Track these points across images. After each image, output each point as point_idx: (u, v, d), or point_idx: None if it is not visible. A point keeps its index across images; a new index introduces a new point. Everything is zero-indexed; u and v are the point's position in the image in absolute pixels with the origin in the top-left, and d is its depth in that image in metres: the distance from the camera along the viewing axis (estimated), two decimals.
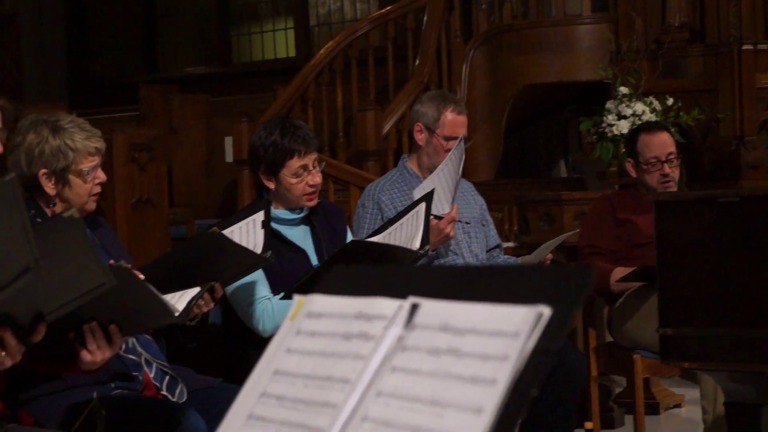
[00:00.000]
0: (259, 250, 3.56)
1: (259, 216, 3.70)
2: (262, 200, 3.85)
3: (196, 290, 3.18)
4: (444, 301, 1.22)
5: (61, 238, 1.95)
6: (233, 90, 9.93)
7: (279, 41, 10.55)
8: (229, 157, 8.04)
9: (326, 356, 1.32)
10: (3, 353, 2.14)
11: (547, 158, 9.05)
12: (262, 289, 3.98)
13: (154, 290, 2.72)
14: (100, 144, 3.53)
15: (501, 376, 1.09)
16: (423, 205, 4.09)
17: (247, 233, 3.68)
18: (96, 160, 3.52)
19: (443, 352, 1.17)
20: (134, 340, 3.55)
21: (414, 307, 1.25)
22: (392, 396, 1.19)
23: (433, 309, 1.23)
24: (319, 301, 1.41)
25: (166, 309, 2.83)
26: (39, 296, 2.11)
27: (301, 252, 4.12)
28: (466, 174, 5.32)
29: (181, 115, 8.65)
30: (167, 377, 3.57)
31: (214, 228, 3.38)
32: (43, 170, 3.48)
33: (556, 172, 8.99)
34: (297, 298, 1.46)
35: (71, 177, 3.49)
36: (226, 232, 3.62)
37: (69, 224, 1.91)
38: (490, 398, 1.08)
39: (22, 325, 2.14)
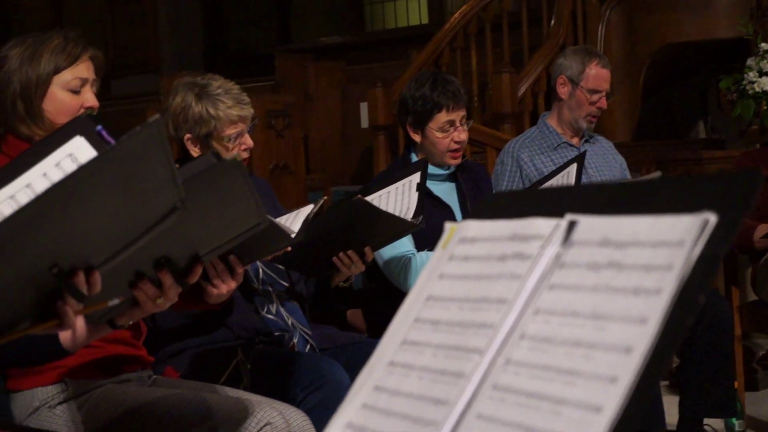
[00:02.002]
0: (411, 214, 3.55)
1: (416, 178, 3.68)
2: (420, 161, 3.83)
3: (309, 208, 3.17)
4: (603, 216, 1.19)
5: (224, 181, 1.96)
6: (367, 58, 9.94)
7: (412, 8, 10.53)
8: (365, 123, 8.07)
9: (481, 279, 1.31)
10: (161, 295, 2.17)
11: (685, 119, 8.88)
12: (407, 243, 4.00)
13: (270, 217, 2.72)
14: (244, 112, 3.52)
15: (666, 285, 1.06)
16: (575, 166, 4.06)
17: (402, 195, 3.67)
18: (240, 127, 3.52)
19: (603, 267, 1.15)
20: (280, 305, 3.58)
21: (571, 225, 1.23)
22: (551, 313, 1.17)
23: (592, 225, 1.20)
24: (471, 226, 1.40)
25: (283, 233, 2.84)
26: (196, 237, 2.13)
27: (447, 208, 4.13)
28: (604, 134, 5.26)
29: (316, 83, 8.69)
30: (308, 345, 3.60)
31: (358, 196, 3.39)
32: (188, 135, 3.52)
33: (694, 133, 8.81)
34: (448, 224, 1.45)
35: (214, 143, 3.50)
36: (381, 192, 3.64)
37: (231, 167, 1.92)
38: (655, 307, 1.05)
39: (179, 267, 2.17)
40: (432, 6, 10.30)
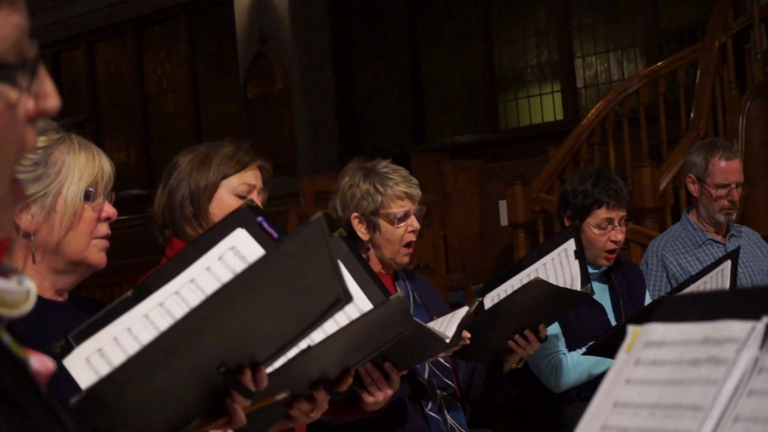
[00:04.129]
0: (577, 282, 3.53)
1: (570, 245, 3.65)
2: (570, 227, 3.80)
3: (464, 310, 3.14)
4: None
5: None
6: (502, 155, 9.96)
7: (546, 105, 10.54)
8: (504, 221, 8.04)
9: (672, 384, 1.27)
10: (313, 410, 2.18)
11: None
12: (557, 343, 3.94)
13: (421, 323, 2.72)
14: (411, 190, 3.54)
15: None
16: (728, 263, 3.95)
17: (561, 264, 3.64)
18: (407, 206, 3.52)
19: None
20: (444, 405, 3.54)
21: None
22: (752, 420, 1.13)
23: None
24: (657, 330, 1.36)
25: (437, 338, 2.83)
26: (348, 349, 2.15)
27: (599, 307, 4.06)
28: (749, 225, 5.15)
29: (454, 182, 8.71)
30: None
31: (536, 276, 3.38)
32: (355, 213, 3.54)
33: None
34: (631, 328, 1.41)
35: (380, 221, 3.50)
36: (537, 264, 3.61)
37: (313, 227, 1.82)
38: None
39: (332, 378, 2.18)
40: (566, 102, 10.30)
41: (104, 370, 1.85)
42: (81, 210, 2.39)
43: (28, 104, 1.10)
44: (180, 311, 1.90)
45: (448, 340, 2.89)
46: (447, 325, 3.05)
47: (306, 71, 11.46)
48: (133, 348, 1.84)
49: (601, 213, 4.04)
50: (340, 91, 11.74)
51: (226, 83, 12.44)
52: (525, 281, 3.55)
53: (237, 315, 1.70)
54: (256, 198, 2.92)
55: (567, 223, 4.11)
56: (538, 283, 3.35)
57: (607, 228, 4.04)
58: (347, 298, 1.79)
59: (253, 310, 1.72)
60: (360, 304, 2.42)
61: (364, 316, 2.22)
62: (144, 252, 7.82)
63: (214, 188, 2.88)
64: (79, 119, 12.96)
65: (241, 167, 2.92)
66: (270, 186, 3.01)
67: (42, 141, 2.36)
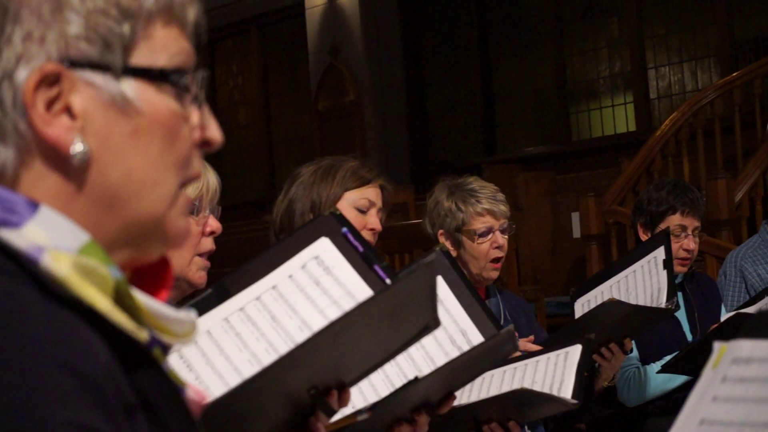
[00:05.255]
0: (663, 294, 3.49)
1: (660, 253, 3.61)
2: (661, 234, 3.77)
3: (577, 353, 3.09)
4: None
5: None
6: (574, 167, 9.90)
7: (618, 116, 10.46)
8: (577, 233, 8.00)
9: (761, 402, 1.25)
10: None
11: None
12: (631, 355, 3.90)
13: (539, 392, 2.72)
14: (494, 206, 3.55)
15: None
16: None
17: (649, 273, 3.61)
18: (490, 222, 3.53)
19: None
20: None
21: None
22: None
23: None
24: (745, 346, 1.34)
25: (559, 399, 2.81)
26: (452, 374, 2.15)
27: (674, 320, 4.02)
28: None
29: (526, 193, 8.69)
30: None
31: (611, 297, 3.36)
32: (441, 230, 3.57)
33: None
34: (717, 344, 1.39)
35: (464, 238, 3.52)
36: (627, 272, 3.58)
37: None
38: None
39: (434, 401, 2.19)
40: (639, 113, 10.22)
41: (183, 371, 1.86)
42: None
43: (195, 131, 1.17)
44: (260, 318, 1.91)
45: (573, 402, 2.85)
46: (563, 371, 2.99)
47: (377, 83, 11.48)
48: (212, 352, 1.86)
49: (675, 219, 4.02)
50: (412, 103, 11.74)
51: (297, 96, 12.50)
52: (615, 289, 3.54)
53: (337, 347, 1.73)
54: (375, 216, 2.96)
55: (640, 231, 4.09)
56: (612, 304, 3.32)
57: (680, 235, 4.02)
58: (436, 324, 1.79)
59: (352, 342, 1.74)
60: (461, 322, 2.40)
61: (474, 349, 2.23)
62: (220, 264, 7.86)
63: (335, 200, 2.92)
64: None
65: (364, 183, 2.96)
66: (389, 207, 3.05)
67: None
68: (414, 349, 2.21)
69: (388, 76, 11.58)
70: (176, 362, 1.87)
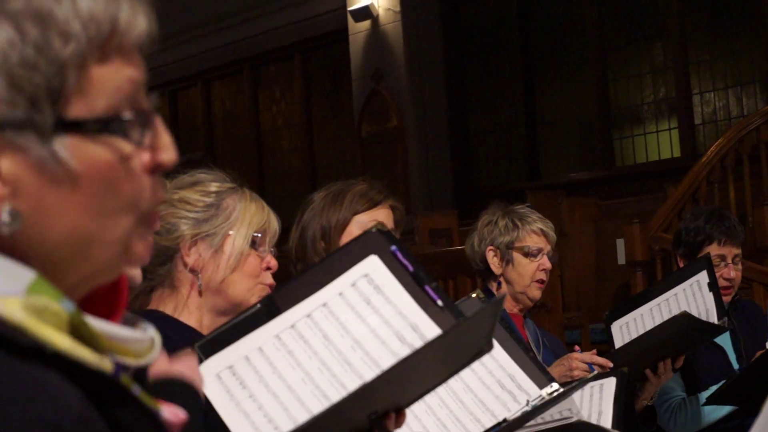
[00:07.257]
0: (712, 315, 3.50)
1: (703, 277, 3.62)
2: (701, 259, 3.77)
3: (612, 388, 3.09)
4: None
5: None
6: (618, 193, 9.85)
7: (663, 142, 10.40)
8: (621, 260, 7.95)
9: None
10: None
11: None
12: (675, 386, 3.87)
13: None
14: (547, 229, 3.63)
15: None
16: None
17: (693, 296, 3.61)
18: (542, 243, 3.61)
19: None
20: None
21: None
22: None
23: None
24: None
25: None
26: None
27: (719, 349, 3.98)
28: None
29: (570, 219, 8.65)
30: None
31: (684, 311, 3.37)
32: (490, 247, 3.61)
33: None
34: None
35: (514, 254, 3.57)
36: (668, 294, 3.59)
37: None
38: None
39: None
40: (684, 139, 10.16)
41: (236, 389, 1.86)
42: (247, 254, 2.47)
43: (144, 157, 1.09)
44: (312, 336, 1.91)
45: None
46: (600, 403, 3.01)
47: (420, 109, 11.48)
48: (265, 370, 1.86)
49: (713, 249, 3.98)
50: (454, 128, 11.73)
51: (340, 120, 12.53)
52: (656, 312, 3.53)
53: (400, 379, 1.76)
54: None
55: (680, 262, 4.06)
56: (683, 317, 3.34)
57: (719, 265, 3.97)
58: (489, 348, 1.82)
59: (415, 373, 1.78)
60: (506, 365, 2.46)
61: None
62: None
63: (344, 224, 2.92)
64: (195, 157, 13.14)
65: (373, 205, 2.96)
66: (402, 226, 3.04)
67: (215, 186, 2.50)
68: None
69: (431, 101, 11.58)
70: (229, 379, 1.87)
